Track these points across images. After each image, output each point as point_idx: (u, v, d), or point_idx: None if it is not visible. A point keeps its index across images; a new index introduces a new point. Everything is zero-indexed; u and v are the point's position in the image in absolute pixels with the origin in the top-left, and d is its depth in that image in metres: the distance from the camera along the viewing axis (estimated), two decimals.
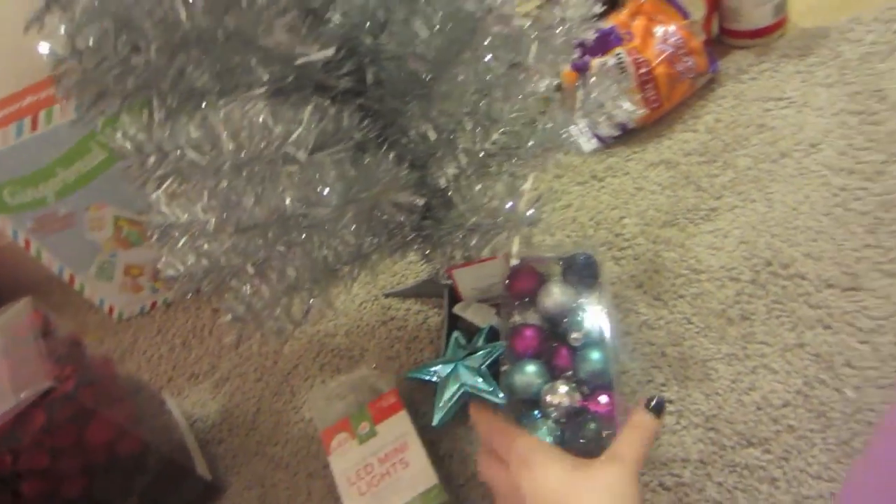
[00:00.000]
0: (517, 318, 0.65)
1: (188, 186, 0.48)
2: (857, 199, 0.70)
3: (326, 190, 0.44)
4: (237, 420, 0.78)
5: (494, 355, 0.67)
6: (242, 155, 0.42)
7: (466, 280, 0.72)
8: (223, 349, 0.86)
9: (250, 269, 0.50)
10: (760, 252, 0.70)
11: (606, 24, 0.86)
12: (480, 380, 0.65)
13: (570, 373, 0.59)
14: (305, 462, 0.70)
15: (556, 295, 0.63)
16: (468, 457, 0.65)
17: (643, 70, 0.83)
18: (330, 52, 0.45)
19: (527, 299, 0.65)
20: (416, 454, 0.62)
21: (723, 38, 0.95)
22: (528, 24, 0.49)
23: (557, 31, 0.56)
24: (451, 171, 0.55)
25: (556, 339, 0.62)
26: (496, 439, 0.52)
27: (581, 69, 0.85)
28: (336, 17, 0.49)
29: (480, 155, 0.58)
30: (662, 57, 0.83)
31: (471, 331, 0.72)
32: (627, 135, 0.87)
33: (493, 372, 0.66)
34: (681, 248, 0.73)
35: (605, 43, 0.85)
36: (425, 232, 0.61)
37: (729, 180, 0.78)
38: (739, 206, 0.75)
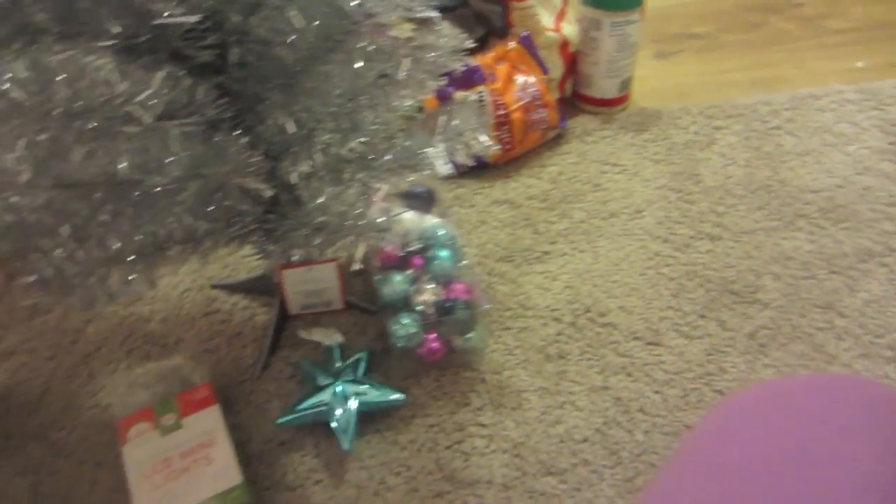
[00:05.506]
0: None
1: (2, 130, 0.43)
2: (667, 265, 0.78)
3: (169, 160, 0.42)
4: (18, 399, 0.69)
5: (363, 363, 0.67)
6: (77, 105, 0.39)
7: (295, 282, 0.70)
8: (14, 320, 0.77)
9: (65, 231, 0.46)
10: (582, 298, 0.75)
11: (473, 62, 0.90)
12: (366, 386, 0.65)
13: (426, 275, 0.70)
14: (94, 451, 0.64)
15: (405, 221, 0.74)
16: (277, 460, 0.63)
17: (501, 112, 0.88)
18: (193, 18, 0.43)
19: None
20: (223, 452, 0.59)
21: (575, 100, 1.03)
22: (404, 39, 0.50)
23: (429, 54, 0.58)
24: (304, 168, 0.55)
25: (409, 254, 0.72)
26: None
27: (443, 98, 0.88)
28: None
29: (337, 159, 0.58)
30: (520, 104, 0.89)
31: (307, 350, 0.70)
32: (478, 170, 0.91)
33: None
34: (513, 284, 0.78)
35: (469, 79, 0.88)
36: (267, 225, 0.59)
37: (563, 228, 0.84)
38: (569, 254, 0.80)
